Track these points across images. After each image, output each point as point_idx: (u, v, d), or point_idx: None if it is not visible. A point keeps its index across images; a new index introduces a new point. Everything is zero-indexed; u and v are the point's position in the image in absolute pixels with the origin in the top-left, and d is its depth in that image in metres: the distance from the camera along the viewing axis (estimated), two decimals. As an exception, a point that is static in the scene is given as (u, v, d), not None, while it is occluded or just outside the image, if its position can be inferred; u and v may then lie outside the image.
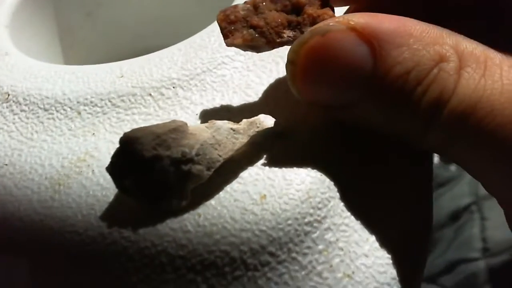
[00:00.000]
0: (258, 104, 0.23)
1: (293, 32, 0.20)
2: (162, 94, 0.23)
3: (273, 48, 0.21)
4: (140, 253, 0.18)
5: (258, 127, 0.21)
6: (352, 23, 0.18)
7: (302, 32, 0.20)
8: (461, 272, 0.48)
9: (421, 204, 0.22)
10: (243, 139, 0.20)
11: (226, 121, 0.21)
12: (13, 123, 0.23)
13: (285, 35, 0.20)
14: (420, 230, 0.22)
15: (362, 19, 0.18)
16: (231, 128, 0.20)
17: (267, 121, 0.21)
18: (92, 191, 0.20)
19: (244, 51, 0.22)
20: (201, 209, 0.19)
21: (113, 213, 0.19)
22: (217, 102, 0.23)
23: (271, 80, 0.24)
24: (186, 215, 0.19)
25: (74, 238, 0.19)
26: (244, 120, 0.21)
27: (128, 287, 0.18)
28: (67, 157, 0.21)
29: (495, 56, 0.18)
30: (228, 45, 0.21)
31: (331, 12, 0.21)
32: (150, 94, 0.24)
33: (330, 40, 0.18)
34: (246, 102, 0.23)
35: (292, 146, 0.21)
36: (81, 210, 0.20)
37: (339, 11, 0.23)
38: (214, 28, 0.27)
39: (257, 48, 0.21)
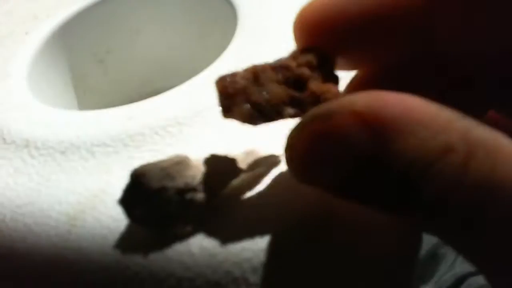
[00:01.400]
0: (256, 136, 0.25)
1: (294, 110, 0.19)
2: (169, 132, 0.25)
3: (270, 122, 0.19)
4: (151, 276, 0.20)
5: (254, 156, 0.22)
6: (356, 108, 0.16)
7: (303, 111, 0.19)
8: (470, 285, 0.47)
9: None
10: (240, 168, 0.22)
11: (225, 153, 0.22)
12: (32, 167, 0.25)
13: (285, 113, 0.19)
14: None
15: (366, 100, 0.16)
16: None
17: (262, 150, 0.23)
18: (105, 223, 0.22)
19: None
20: (205, 233, 0.21)
21: (125, 242, 0.21)
22: (217, 137, 0.25)
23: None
24: (191, 240, 0.20)
25: (89, 266, 0.21)
26: (242, 151, 0.22)
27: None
28: (83, 194, 0.23)
29: (509, 144, 0.16)
30: (225, 118, 0.20)
31: (335, 89, 0.19)
32: (157, 133, 0.25)
33: (331, 127, 0.16)
34: (246, 134, 0.25)
35: (286, 173, 0.22)
36: (95, 241, 0.21)
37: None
38: (213, 70, 0.29)
39: (253, 124, 0.19)
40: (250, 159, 0.22)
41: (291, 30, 0.21)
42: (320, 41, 0.20)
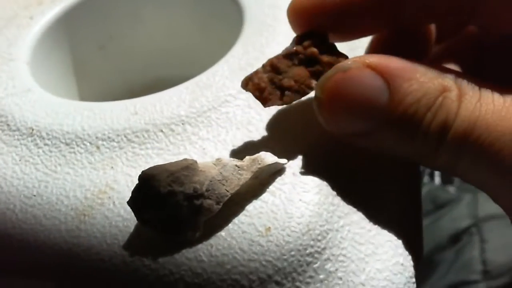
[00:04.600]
0: (259, 140, 0.26)
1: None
2: (172, 130, 0.26)
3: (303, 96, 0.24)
4: (159, 280, 0.21)
5: (260, 163, 0.23)
6: (368, 61, 0.21)
7: None
8: None
9: (411, 232, 0.25)
10: (247, 175, 0.23)
11: (231, 159, 0.23)
12: (38, 156, 0.26)
13: (313, 84, 0.24)
14: (412, 259, 0.24)
15: (375, 58, 0.21)
16: (236, 165, 0.23)
17: (267, 158, 0.23)
18: (114, 222, 0.22)
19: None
20: (213, 240, 0.22)
21: (135, 243, 0.22)
22: (222, 138, 0.26)
23: (270, 117, 0.26)
24: (200, 246, 0.21)
25: (99, 265, 0.21)
26: (247, 157, 0.23)
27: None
28: (89, 189, 0.24)
29: (488, 86, 0.21)
30: (266, 107, 0.24)
31: (344, 55, 0.24)
32: (162, 130, 0.26)
33: (351, 75, 0.21)
34: (249, 138, 0.26)
35: (291, 181, 0.23)
36: (105, 240, 0.22)
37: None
38: (218, 68, 0.29)
39: (290, 102, 0.24)
40: (255, 166, 0.23)
41: (287, 17, 0.25)
42: (312, 23, 0.25)
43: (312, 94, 0.24)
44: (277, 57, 0.24)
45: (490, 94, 0.21)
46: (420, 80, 0.21)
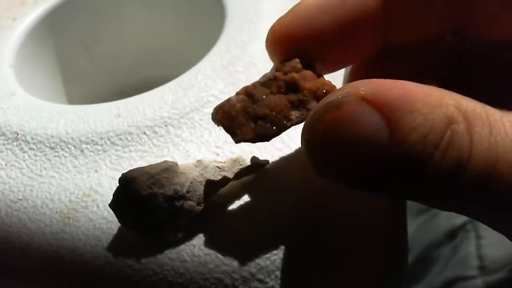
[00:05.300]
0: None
1: (299, 112, 0.20)
2: (156, 132, 0.26)
3: (282, 132, 0.20)
4: (143, 280, 0.21)
5: (241, 164, 0.24)
6: (362, 92, 0.18)
7: (307, 109, 0.20)
8: None
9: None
10: (228, 176, 0.23)
11: (212, 160, 0.24)
12: (23, 160, 0.26)
13: (293, 117, 0.20)
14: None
15: (370, 86, 0.18)
16: (217, 166, 0.23)
17: (249, 158, 0.24)
18: (98, 224, 0.23)
19: (253, 143, 0.21)
20: (195, 240, 0.22)
21: (118, 244, 0.22)
22: (205, 139, 0.26)
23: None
24: (182, 246, 0.22)
25: (83, 267, 0.22)
26: (229, 158, 0.24)
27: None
28: (74, 192, 0.24)
29: (494, 113, 0.18)
30: (238, 142, 0.20)
31: (328, 82, 0.21)
32: (145, 133, 0.26)
33: (345, 114, 0.18)
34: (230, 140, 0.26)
35: (272, 181, 0.24)
36: (89, 242, 0.22)
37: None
38: (200, 67, 0.30)
39: (268, 137, 0.20)
40: (236, 167, 0.24)
41: (266, 47, 0.23)
42: (298, 52, 0.22)
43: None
44: (253, 84, 0.21)
45: (500, 124, 0.18)
46: (422, 112, 0.17)
